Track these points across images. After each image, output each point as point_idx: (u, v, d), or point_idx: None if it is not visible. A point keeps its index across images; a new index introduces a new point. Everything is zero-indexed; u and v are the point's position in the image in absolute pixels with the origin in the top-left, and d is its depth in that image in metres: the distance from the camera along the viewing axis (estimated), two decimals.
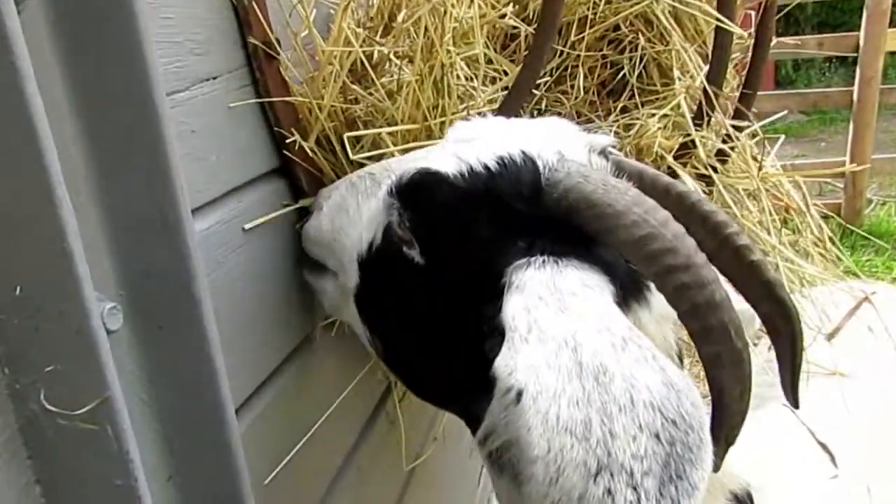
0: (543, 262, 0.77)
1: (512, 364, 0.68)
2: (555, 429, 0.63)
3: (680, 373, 0.67)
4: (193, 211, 0.91)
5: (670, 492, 0.61)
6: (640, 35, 1.58)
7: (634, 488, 0.61)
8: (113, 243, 0.79)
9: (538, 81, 1.48)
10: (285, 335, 1.30)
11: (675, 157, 1.41)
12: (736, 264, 0.85)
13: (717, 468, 0.69)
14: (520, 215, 0.82)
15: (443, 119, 1.26)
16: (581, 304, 0.71)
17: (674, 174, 1.37)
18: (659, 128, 1.38)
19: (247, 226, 1.16)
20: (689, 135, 1.39)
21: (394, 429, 1.91)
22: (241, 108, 1.19)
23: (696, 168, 1.48)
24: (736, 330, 0.69)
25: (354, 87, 1.30)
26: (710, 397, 0.73)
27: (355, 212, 1.06)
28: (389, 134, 1.27)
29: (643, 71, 1.60)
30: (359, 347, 1.54)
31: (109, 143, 0.77)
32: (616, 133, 1.50)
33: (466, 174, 0.86)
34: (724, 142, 1.44)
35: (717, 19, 1.45)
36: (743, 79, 1.67)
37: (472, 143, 0.91)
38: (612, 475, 0.61)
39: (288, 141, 1.24)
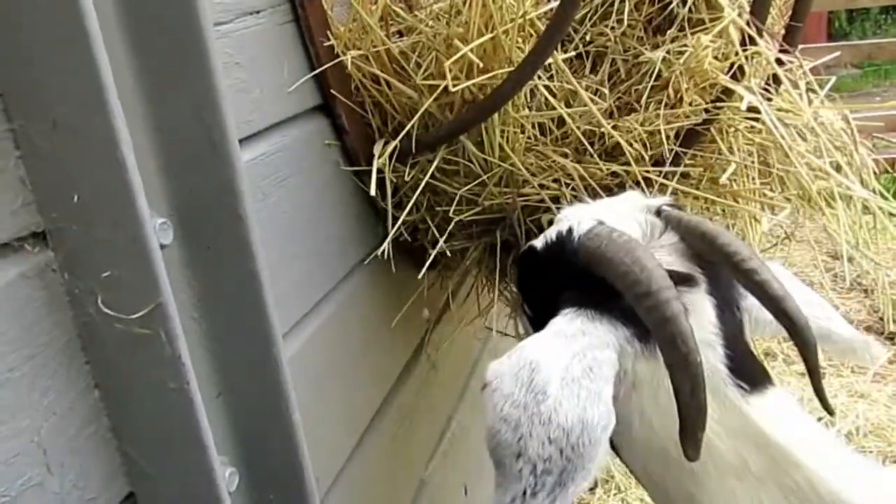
0: (567, 311, 0.99)
1: (493, 367, 0.93)
2: (499, 416, 0.89)
3: (603, 418, 0.88)
4: (240, 141, 0.93)
5: (555, 492, 0.86)
6: None
7: (536, 477, 0.86)
8: (162, 164, 0.82)
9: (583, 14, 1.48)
10: (327, 269, 1.32)
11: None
12: (750, 286, 0.99)
13: (691, 458, 0.88)
14: (568, 274, 1.04)
15: (493, 34, 1.25)
16: (565, 345, 0.94)
17: (729, 92, 1.37)
18: (711, 47, 1.37)
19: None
20: (737, 54, 1.37)
21: (435, 373, 1.95)
22: (284, 44, 1.20)
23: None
24: (683, 339, 0.86)
25: (398, 8, 1.30)
26: None
27: None
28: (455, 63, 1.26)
29: (692, 6, 1.57)
30: (397, 287, 1.57)
31: (158, 65, 0.79)
32: (665, 59, 1.48)
33: (545, 246, 1.11)
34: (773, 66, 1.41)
35: None
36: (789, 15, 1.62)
37: (560, 223, 1.13)
38: (524, 461, 0.87)
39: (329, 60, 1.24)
